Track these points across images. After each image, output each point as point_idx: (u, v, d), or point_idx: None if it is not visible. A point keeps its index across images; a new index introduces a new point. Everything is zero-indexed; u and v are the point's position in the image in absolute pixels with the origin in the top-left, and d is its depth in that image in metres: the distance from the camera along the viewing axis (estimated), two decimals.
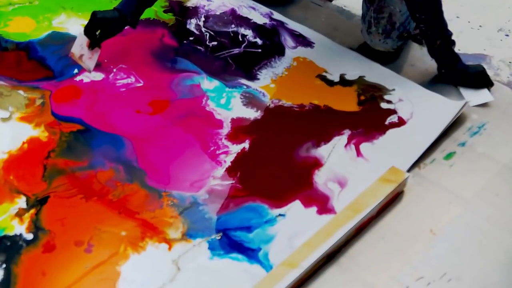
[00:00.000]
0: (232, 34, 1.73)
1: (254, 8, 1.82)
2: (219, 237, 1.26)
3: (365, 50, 1.69)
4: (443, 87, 1.61)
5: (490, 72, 1.72)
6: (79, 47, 1.55)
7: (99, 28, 1.53)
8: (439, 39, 1.55)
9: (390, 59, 1.68)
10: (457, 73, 1.60)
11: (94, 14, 1.53)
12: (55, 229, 1.25)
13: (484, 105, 1.57)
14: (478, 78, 1.61)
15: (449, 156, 1.45)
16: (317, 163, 1.41)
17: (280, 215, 1.31)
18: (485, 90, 1.60)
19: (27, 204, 1.29)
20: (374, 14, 1.62)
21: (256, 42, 1.72)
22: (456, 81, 1.61)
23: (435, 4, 1.52)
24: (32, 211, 1.28)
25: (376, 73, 1.63)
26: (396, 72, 1.64)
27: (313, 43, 1.72)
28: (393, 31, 1.62)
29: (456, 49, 1.60)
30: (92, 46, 1.54)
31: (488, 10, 2.06)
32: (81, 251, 1.22)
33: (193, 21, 1.77)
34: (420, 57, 1.70)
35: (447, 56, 1.59)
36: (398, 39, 1.64)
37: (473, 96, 1.58)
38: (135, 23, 1.55)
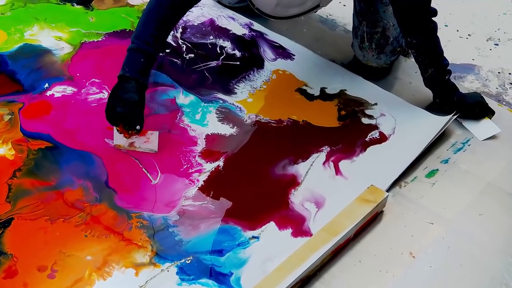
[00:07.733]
0: (210, 46, 1.68)
1: (233, 19, 1.76)
2: (189, 261, 1.21)
3: (356, 67, 1.62)
4: (427, 100, 1.55)
5: (478, 83, 1.67)
6: (121, 138, 1.40)
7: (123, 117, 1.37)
8: (431, 67, 1.46)
9: (382, 75, 1.62)
10: (453, 105, 1.49)
11: (114, 103, 1.37)
12: (18, 254, 1.20)
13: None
14: (476, 108, 1.51)
15: (431, 174, 1.39)
16: (294, 182, 1.36)
17: (253, 237, 1.26)
18: (489, 121, 1.50)
19: None
20: (367, 29, 1.56)
21: (234, 54, 1.66)
22: (452, 112, 1.49)
23: (428, 28, 1.42)
24: None
25: (358, 86, 1.58)
26: (379, 85, 1.59)
27: (294, 55, 1.67)
28: (386, 46, 1.56)
29: None
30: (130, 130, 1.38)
31: (477, 19, 2.01)
32: (44, 277, 1.17)
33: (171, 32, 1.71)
34: (404, 69, 1.66)
35: (441, 87, 1.49)
36: (391, 54, 1.58)
37: (478, 129, 1.49)
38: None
